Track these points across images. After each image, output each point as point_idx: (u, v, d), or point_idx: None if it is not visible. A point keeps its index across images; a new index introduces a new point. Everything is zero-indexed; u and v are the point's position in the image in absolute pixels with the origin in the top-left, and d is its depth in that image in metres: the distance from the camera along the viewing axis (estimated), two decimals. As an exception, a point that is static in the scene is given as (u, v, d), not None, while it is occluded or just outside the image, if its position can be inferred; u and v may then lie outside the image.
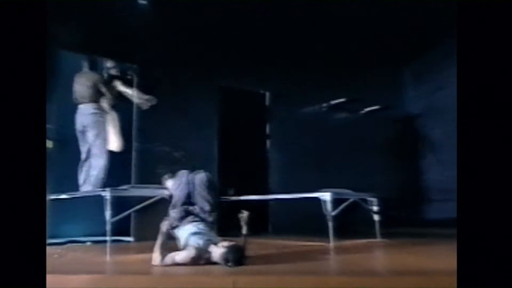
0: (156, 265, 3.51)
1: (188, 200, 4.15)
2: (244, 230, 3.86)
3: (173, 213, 4.04)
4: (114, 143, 5.69)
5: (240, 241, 3.86)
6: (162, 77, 6.92)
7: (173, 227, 3.90)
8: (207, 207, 4.11)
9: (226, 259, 3.39)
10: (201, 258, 3.51)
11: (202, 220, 4.02)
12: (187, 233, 3.80)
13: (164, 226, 3.76)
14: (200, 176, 4.29)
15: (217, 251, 3.49)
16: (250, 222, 3.95)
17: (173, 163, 6.87)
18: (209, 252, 3.54)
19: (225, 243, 3.53)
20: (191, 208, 4.08)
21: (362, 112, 9.22)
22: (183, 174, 4.37)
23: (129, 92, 6.08)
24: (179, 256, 3.55)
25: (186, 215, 4.02)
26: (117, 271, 3.74)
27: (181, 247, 3.77)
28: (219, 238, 3.83)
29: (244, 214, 3.98)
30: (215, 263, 3.48)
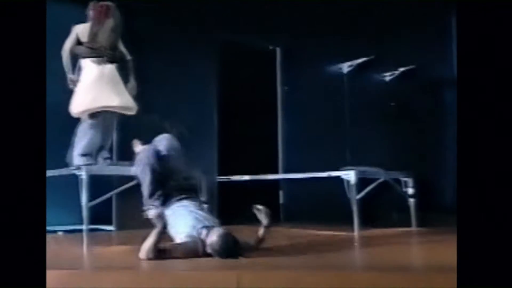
0: (144, 259, 3.55)
1: (163, 177, 4.11)
2: (265, 222, 4.00)
3: (152, 202, 3.99)
4: (77, 105, 5.31)
5: (258, 231, 3.98)
6: (147, 30, 6.87)
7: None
8: (192, 181, 4.16)
9: (215, 250, 3.49)
10: (198, 250, 3.58)
11: (190, 197, 4.03)
12: (183, 223, 3.82)
13: (158, 218, 3.69)
14: (168, 142, 4.27)
15: (208, 239, 3.56)
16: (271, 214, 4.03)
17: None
18: (203, 241, 3.61)
19: (217, 231, 3.60)
20: (172, 184, 4.08)
21: (395, 73, 9.15)
22: (143, 150, 4.30)
23: None
24: (172, 246, 3.62)
25: (168, 195, 4.02)
26: (96, 266, 3.78)
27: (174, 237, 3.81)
28: (217, 221, 3.90)
29: (261, 208, 4.06)
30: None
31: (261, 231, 4.01)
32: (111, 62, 5.49)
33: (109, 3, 5.50)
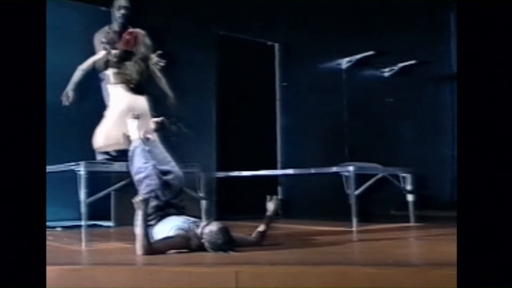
0: (142, 255, 3.58)
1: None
2: (271, 211, 4.08)
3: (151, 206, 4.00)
4: (100, 138, 4.95)
5: (263, 222, 4.04)
6: (144, 23, 6.84)
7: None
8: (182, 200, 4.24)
9: (211, 241, 3.57)
10: (190, 241, 3.65)
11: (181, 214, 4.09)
12: (174, 220, 3.88)
13: (141, 203, 3.73)
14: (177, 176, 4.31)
15: (207, 228, 3.64)
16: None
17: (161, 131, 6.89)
18: (197, 234, 3.67)
19: (217, 223, 3.68)
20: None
21: (394, 68, 9.16)
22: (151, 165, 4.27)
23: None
24: (167, 242, 3.67)
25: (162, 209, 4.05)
26: (94, 262, 3.80)
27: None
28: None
29: (275, 198, 4.16)
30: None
31: (263, 224, 4.04)
32: (140, 92, 5.17)
33: (138, 30, 5.27)
